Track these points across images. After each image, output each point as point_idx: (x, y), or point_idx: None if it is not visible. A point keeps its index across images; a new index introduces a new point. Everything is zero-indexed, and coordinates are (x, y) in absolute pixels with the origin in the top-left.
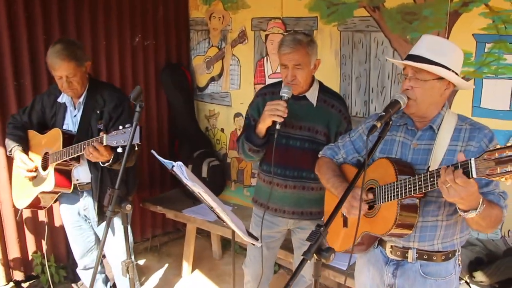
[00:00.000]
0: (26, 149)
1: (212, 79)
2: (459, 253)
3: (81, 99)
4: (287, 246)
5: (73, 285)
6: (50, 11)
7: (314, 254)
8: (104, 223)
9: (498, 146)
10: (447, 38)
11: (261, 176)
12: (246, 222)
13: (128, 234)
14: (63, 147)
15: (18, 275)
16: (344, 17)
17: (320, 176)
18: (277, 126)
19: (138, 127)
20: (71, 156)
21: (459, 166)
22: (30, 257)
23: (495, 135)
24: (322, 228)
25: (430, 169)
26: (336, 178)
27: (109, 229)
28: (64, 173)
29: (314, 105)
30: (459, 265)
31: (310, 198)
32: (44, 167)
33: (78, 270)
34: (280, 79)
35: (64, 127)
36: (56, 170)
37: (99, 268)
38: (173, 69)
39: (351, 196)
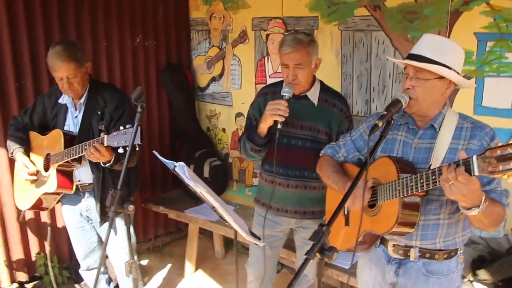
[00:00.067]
0: (27, 150)
1: (213, 79)
2: (461, 251)
3: (82, 100)
4: (289, 245)
5: (76, 285)
6: (50, 11)
7: (317, 253)
8: (106, 224)
9: (500, 144)
10: (448, 37)
11: (263, 175)
12: (248, 222)
13: (130, 234)
14: (65, 148)
15: (21, 276)
16: (345, 16)
17: (321, 174)
18: (279, 126)
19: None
20: (73, 157)
21: (461, 163)
22: (33, 258)
23: (496, 134)
24: (324, 228)
25: (432, 167)
26: (336, 174)
27: (112, 230)
28: (66, 174)
29: (316, 105)
30: (461, 263)
31: (312, 197)
32: (46, 168)
33: (81, 271)
34: (281, 79)
35: (65, 128)
36: (58, 171)
37: (102, 268)
38: (173, 69)
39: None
